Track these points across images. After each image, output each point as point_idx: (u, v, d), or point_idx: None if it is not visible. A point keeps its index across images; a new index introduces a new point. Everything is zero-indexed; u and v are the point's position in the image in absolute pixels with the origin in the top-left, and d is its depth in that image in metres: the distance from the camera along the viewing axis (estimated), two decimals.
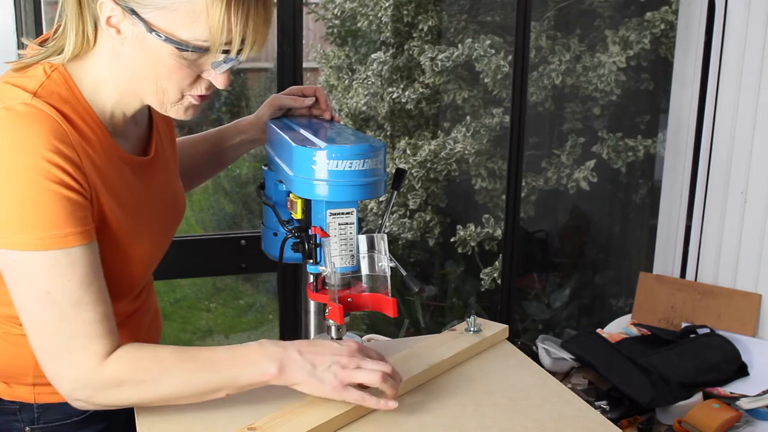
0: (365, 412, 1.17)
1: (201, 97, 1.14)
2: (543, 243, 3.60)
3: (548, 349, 2.27)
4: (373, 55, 3.48)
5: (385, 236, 1.23)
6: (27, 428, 1.27)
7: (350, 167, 1.16)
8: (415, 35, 3.40)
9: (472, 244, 3.23)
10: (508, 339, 1.47)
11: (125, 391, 1.11)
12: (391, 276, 1.23)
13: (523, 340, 2.62)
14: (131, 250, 1.20)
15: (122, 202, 1.17)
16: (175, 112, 1.16)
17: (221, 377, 1.11)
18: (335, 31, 3.76)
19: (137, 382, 1.10)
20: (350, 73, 3.69)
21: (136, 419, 1.16)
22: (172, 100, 1.14)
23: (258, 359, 1.11)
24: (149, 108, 1.29)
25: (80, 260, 1.07)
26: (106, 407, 1.14)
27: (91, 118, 1.14)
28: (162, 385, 1.11)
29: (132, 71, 1.11)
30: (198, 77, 1.12)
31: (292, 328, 2.50)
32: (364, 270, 1.23)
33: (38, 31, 2.06)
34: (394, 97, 3.39)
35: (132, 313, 1.32)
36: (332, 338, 1.28)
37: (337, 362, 1.12)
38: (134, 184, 1.21)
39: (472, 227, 3.23)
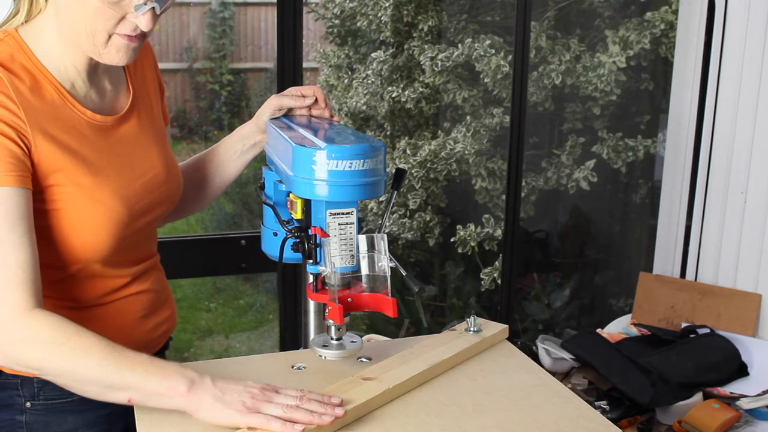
0: (365, 413, 1.17)
1: (129, 37, 1.21)
2: (543, 243, 3.59)
3: (548, 349, 2.27)
4: (372, 55, 3.47)
5: (385, 236, 1.23)
6: (28, 403, 1.30)
7: (350, 167, 1.16)
8: (415, 35, 3.40)
9: (472, 244, 3.23)
10: (508, 339, 1.47)
11: (37, 347, 1.13)
12: (391, 276, 1.23)
13: (523, 340, 2.62)
14: (95, 204, 1.24)
15: (78, 157, 1.24)
16: (108, 55, 1.23)
17: (131, 376, 1.12)
18: (335, 30, 3.76)
19: (53, 342, 1.12)
20: (350, 73, 3.68)
21: (136, 419, 1.16)
22: (102, 41, 1.21)
23: (172, 374, 1.13)
24: (128, 75, 1.38)
25: (5, 200, 1.14)
26: (16, 364, 1.16)
27: (46, 78, 1.24)
28: (75, 355, 1.12)
29: (68, 20, 1.20)
30: (123, 18, 1.19)
31: (292, 328, 2.49)
32: (364, 270, 1.23)
33: None
34: (393, 96, 3.39)
35: (132, 294, 1.36)
36: (332, 338, 1.28)
37: (247, 392, 1.12)
38: (95, 141, 1.28)
39: (472, 227, 3.23)
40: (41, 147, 1.20)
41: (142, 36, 1.24)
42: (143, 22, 1.20)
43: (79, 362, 1.13)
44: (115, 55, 1.23)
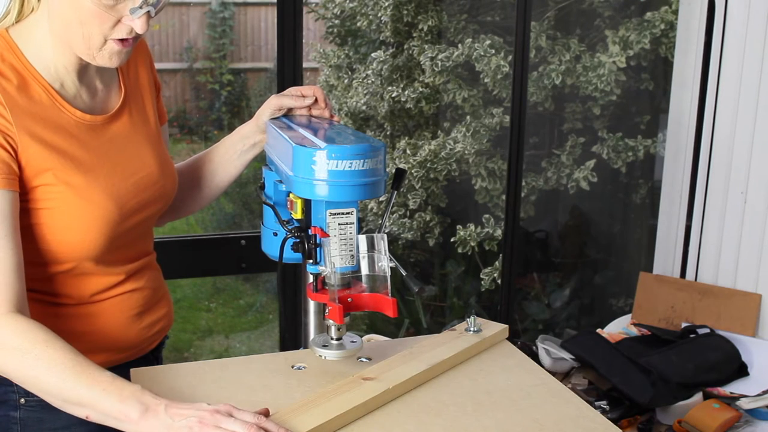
0: (364, 413, 1.17)
1: (123, 42, 1.22)
2: (543, 243, 3.59)
3: (548, 349, 2.27)
4: (372, 55, 3.47)
5: (385, 236, 1.23)
6: (22, 400, 1.30)
7: (350, 167, 1.16)
8: (415, 35, 3.40)
9: (472, 244, 3.23)
10: (508, 339, 1.47)
11: (2, 353, 1.13)
12: (391, 276, 1.23)
13: (523, 340, 2.62)
14: (85, 203, 1.24)
15: (67, 157, 1.24)
16: (102, 58, 1.23)
17: (88, 394, 1.10)
18: (335, 30, 3.76)
19: (18, 350, 1.13)
20: (350, 73, 3.69)
21: None
22: (97, 45, 1.21)
23: (128, 398, 1.09)
24: (120, 74, 1.38)
25: None
26: None
27: (35, 78, 1.24)
28: (36, 366, 1.12)
29: (61, 21, 1.21)
30: (119, 22, 1.20)
31: (292, 328, 2.50)
32: (364, 270, 1.23)
33: None
34: (393, 96, 3.39)
35: (126, 292, 1.36)
36: (332, 338, 1.28)
37: (196, 416, 1.06)
38: (85, 140, 1.28)
39: (472, 227, 3.23)
40: (28, 147, 1.20)
41: (136, 38, 1.24)
42: (138, 25, 1.20)
43: (39, 373, 1.12)
44: (108, 59, 1.23)
